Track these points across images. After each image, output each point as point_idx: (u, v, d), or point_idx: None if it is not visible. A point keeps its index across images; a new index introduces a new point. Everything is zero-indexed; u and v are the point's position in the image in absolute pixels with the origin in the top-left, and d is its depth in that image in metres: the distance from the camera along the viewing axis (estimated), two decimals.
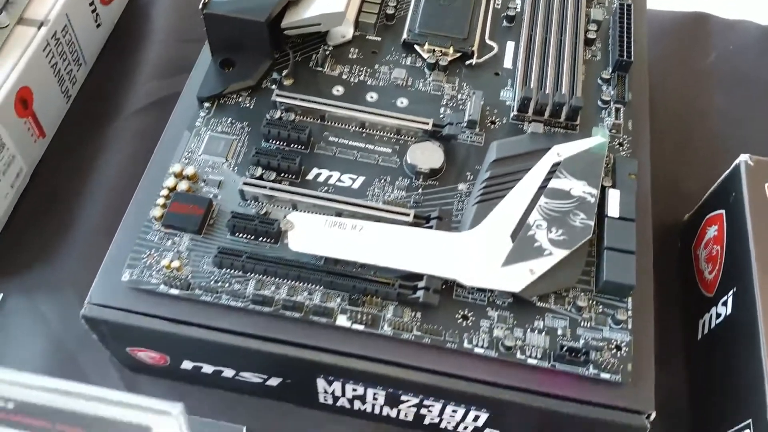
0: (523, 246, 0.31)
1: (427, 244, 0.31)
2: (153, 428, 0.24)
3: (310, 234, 0.31)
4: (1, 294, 0.38)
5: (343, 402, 0.34)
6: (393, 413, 0.34)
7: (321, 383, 0.32)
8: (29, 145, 0.41)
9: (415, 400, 0.31)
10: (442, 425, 0.34)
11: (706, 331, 0.37)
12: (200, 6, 0.35)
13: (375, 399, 0.32)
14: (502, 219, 0.32)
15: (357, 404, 0.33)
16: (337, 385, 0.32)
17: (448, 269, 0.30)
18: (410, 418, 0.34)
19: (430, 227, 0.32)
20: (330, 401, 0.34)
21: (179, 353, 0.32)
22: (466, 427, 0.33)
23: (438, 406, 0.31)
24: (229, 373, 0.33)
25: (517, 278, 0.30)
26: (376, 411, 0.34)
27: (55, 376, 0.26)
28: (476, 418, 0.32)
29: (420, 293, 0.30)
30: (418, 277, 0.30)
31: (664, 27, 0.54)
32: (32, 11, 0.41)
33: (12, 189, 0.40)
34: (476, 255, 0.31)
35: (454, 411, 0.31)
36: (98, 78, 0.47)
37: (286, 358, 0.30)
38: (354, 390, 0.32)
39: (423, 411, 0.32)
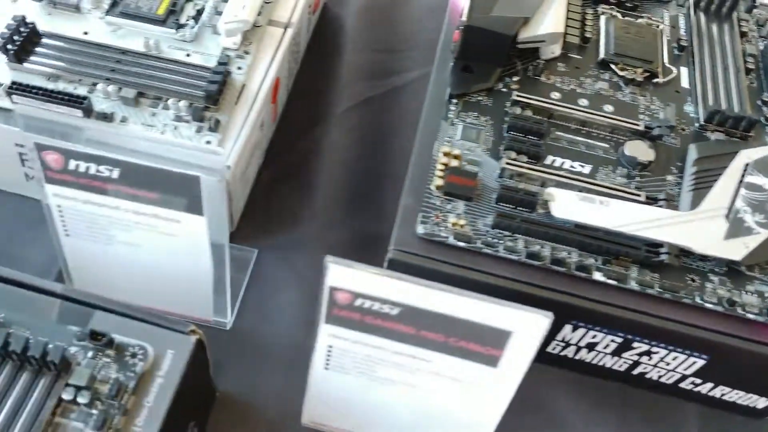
0: (736, 225, 0.38)
1: (664, 219, 0.38)
2: (514, 333, 0.29)
3: (568, 205, 0.38)
4: (257, 250, 0.44)
5: (567, 351, 0.40)
6: (609, 363, 0.40)
7: (566, 329, 0.38)
8: (269, 126, 0.48)
9: (644, 348, 0.38)
10: (648, 375, 0.40)
11: None
12: (463, 18, 0.42)
13: (605, 347, 0.39)
14: (716, 203, 0.39)
15: (581, 353, 0.40)
16: (579, 332, 0.38)
17: (684, 239, 0.37)
18: (622, 368, 0.40)
19: (660, 206, 0.39)
20: (557, 350, 0.40)
21: None
22: (670, 377, 0.40)
23: (662, 353, 0.38)
24: None
25: (737, 249, 0.37)
26: (593, 360, 0.40)
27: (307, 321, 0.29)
28: (690, 366, 0.38)
29: (664, 256, 0.37)
30: (657, 245, 0.37)
31: None
32: (277, 15, 0.48)
33: (258, 161, 0.47)
34: (703, 229, 0.38)
35: (674, 358, 0.38)
36: (305, 76, 0.54)
37: (551, 303, 0.36)
38: (593, 337, 0.38)
39: (642, 359, 0.39)
